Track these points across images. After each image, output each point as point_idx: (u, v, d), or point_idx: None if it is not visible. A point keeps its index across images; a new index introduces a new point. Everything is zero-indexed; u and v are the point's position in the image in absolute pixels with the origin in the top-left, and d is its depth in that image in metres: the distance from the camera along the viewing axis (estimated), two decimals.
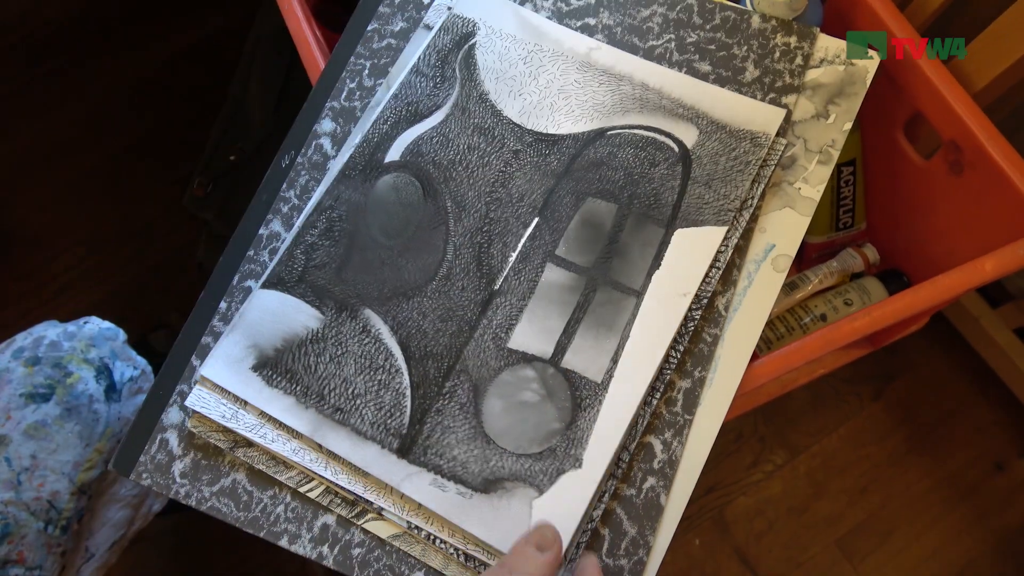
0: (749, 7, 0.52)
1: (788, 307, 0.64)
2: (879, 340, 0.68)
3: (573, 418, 0.43)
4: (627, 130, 0.49)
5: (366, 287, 0.46)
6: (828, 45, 0.50)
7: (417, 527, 0.42)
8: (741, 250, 0.46)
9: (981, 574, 0.89)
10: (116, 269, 1.01)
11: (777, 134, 0.48)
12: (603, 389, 0.43)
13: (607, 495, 0.42)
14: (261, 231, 0.49)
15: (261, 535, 0.43)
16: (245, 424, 0.43)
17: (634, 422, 0.42)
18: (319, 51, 0.54)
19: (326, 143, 0.51)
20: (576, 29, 0.52)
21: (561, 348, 0.44)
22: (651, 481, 0.42)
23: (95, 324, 0.54)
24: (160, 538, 0.88)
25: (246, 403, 0.44)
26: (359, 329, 0.45)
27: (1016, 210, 0.51)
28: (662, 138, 0.49)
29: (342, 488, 0.42)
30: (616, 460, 0.42)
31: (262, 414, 0.44)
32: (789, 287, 0.64)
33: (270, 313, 0.46)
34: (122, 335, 0.55)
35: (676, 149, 0.48)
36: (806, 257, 0.68)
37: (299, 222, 0.48)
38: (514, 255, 0.47)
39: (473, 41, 0.52)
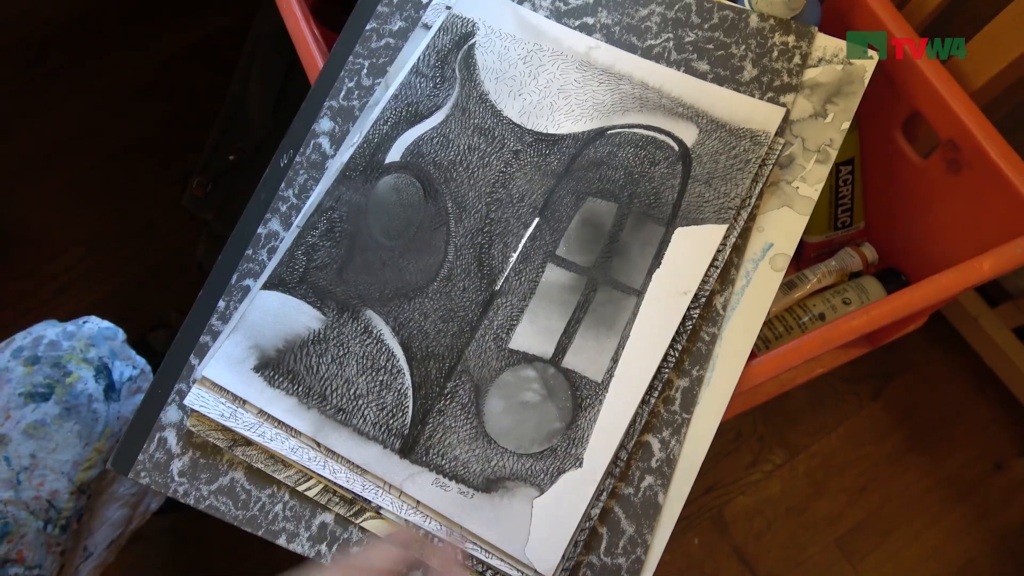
0: (747, 6, 0.52)
1: (786, 306, 0.64)
2: (878, 339, 0.68)
3: (574, 418, 0.43)
4: (627, 129, 0.49)
5: (367, 288, 0.46)
6: (826, 44, 0.50)
7: (415, 525, 0.42)
8: (739, 249, 0.46)
9: (980, 573, 0.89)
10: (116, 269, 1.01)
11: (776, 133, 0.48)
12: (603, 389, 0.43)
13: (605, 494, 0.42)
14: (259, 230, 0.49)
15: (259, 534, 0.43)
16: (244, 423, 0.44)
17: (633, 421, 0.43)
18: (318, 51, 0.54)
19: (324, 142, 0.51)
20: (574, 28, 0.52)
21: (562, 348, 0.44)
22: (649, 480, 0.42)
23: (94, 324, 0.54)
24: (159, 537, 0.88)
25: (245, 402, 0.44)
26: (361, 330, 0.45)
27: (1014, 209, 0.51)
28: (662, 137, 0.49)
29: (340, 487, 0.42)
30: (615, 459, 0.42)
31: (261, 413, 0.44)
32: (787, 286, 0.64)
33: (271, 314, 0.46)
34: (121, 334, 0.56)
35: (676, 148, 0.48)
36: (805, 256, 0.68)
37: (300, 223, 0.48)
38: (515, 255, 0.47)
39: (473, 41, 0.52)
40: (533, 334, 0.45)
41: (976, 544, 0.90)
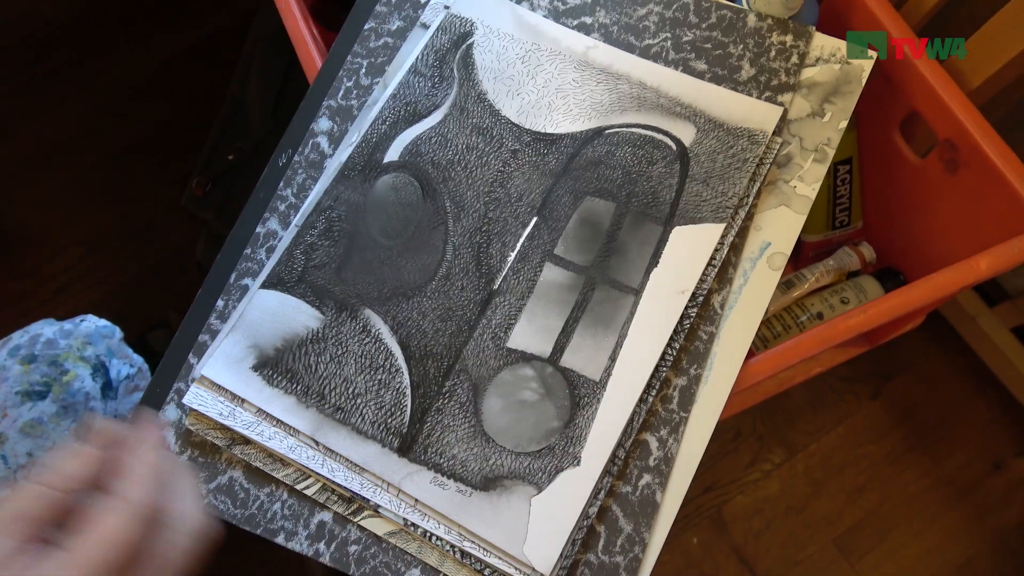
0: (745, 6, 0.52)
1: (784, 305, 0.64)
2: (876, 338, 0.68)
3: (572, 416, 0.43)
4: (625, 129, 0.49)
5: (366, 287, 0.47)
6: (824, 44, 0.50)
7: (413, 524, 0.42)
8: (737, 248, 0.47)
9: (979, 573, 0.89)
10: (115, 269, 1.01)
11: (773, 132, 0.48)
12: (601, 387, 0.43)
13: (603, 492, 0.42)
14: (258, 229, 0.49)
15: (258, 532, 0.43)
16: (242, 422, 0.44)
17: (631, 419, 0.43)
18: (316, 50, 0.54)
19: (323, 142, 0.51)
20: (572, 28, 0.52)
21: (560, 347, 0.45)
22: (647, 478, 0.42)
23: (91, 322, 0.54)
24: None
25: (243, 401, 0.44)
26: (359, 329, 0.46)
27: (1011, 208, 0.51)
28: (660, 136, 0.49)
29: (339, 485, 0.42)
30: (613, 457, 0.42)
31: (259, 411, 0.44)
32: (785, 285, 0.64)
33: (270, 313, 0.46)
34: (118, 333, 0.56)
35: (674, 147, 0.48)
36: (803, 256, 0.68)
37: (299, 222, 0.48)
38: (513, 255, 0.47)
39: (471, 41, 0.52)
40: (531, 333, 0.45)
41: (975, 544, 0.90)
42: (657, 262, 0.46)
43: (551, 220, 0.47)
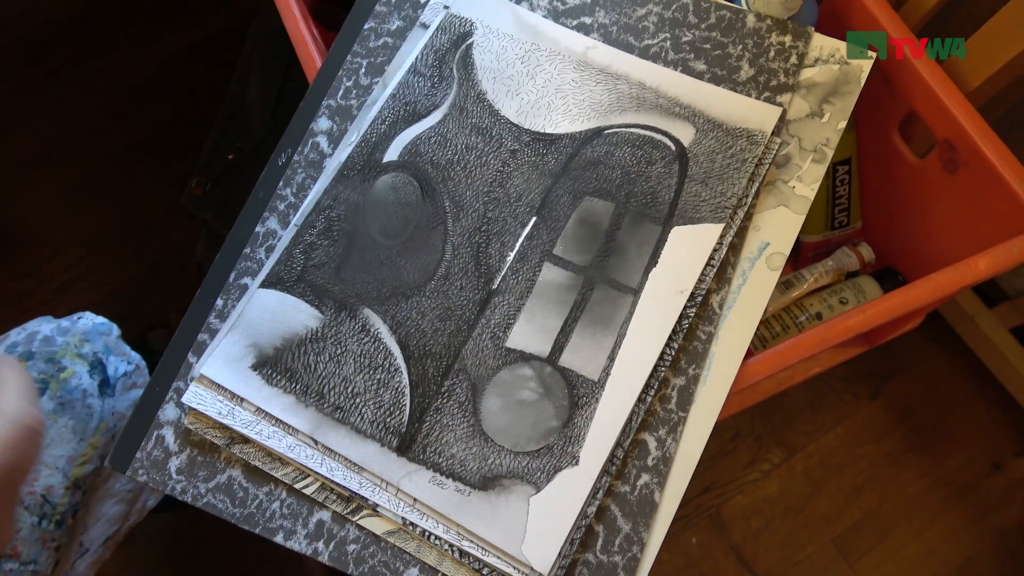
0: (744, 6, 0.52)
1: (783, 305, 0.64)
2: (875, 338, 0.68)
3: (570, 416, 0.43)
4: (624, 129, 0.49)
5: (365, 286, 0.47)
6: (823, 44, 0.50)
7: (412, 523, 0.42)
8: (736, 248, 0.47)
9: (978, 573, 0.89)
10: (115, 268, 1.01)
11: (772, 133, 0.48)
12: (600, 387, 0.43)
13: (601, 492, 0.42)
14: (258, 229, 0.49)
15: (257, 531, 0.43)
16: (241, 421, 0.44)
17: (629, 419, 0.43)
18: (316, 50, 0.55)
19: (322, 141, 0.51)
20: (572, 28, 0.52)
21: (559, 347, 0.45)
22: (645, 478, 0.42)
23: (89, 319, 0.54)
24: (156, 535, 0.88)
25: (243, 400, 0.44)
26: (358, 328, 0.46)
27: (1010, 209, 0.51)
28: (659, 136, 0.49)
29: (338, 484, 0.43)
30: (611, 457, 0.42)
31: (258, 411, 0.44)
32: (784, 285, 0.64)
33: (269, 312, 0.46)
34: (116, 330, 0.56)
35: (673, 147, 0.48)
36: (802, 256, 0.68)
37: (298, 221, 0.48)
38: (512, 254, 0.47)
39: (470, 41, 0.52)
40: (530, 333, 0.45)
41: (974, 544, 0.90)
42: (656, 262, 0.46)
43: (550, 220, 0.48)
